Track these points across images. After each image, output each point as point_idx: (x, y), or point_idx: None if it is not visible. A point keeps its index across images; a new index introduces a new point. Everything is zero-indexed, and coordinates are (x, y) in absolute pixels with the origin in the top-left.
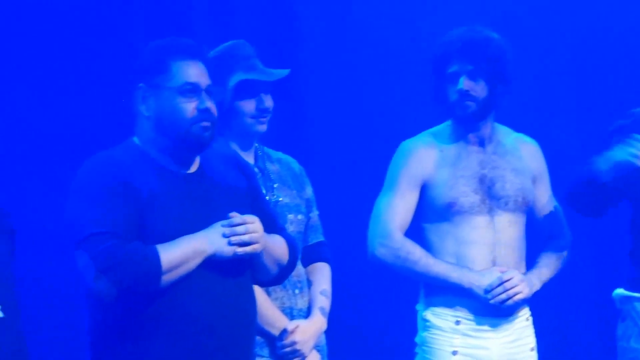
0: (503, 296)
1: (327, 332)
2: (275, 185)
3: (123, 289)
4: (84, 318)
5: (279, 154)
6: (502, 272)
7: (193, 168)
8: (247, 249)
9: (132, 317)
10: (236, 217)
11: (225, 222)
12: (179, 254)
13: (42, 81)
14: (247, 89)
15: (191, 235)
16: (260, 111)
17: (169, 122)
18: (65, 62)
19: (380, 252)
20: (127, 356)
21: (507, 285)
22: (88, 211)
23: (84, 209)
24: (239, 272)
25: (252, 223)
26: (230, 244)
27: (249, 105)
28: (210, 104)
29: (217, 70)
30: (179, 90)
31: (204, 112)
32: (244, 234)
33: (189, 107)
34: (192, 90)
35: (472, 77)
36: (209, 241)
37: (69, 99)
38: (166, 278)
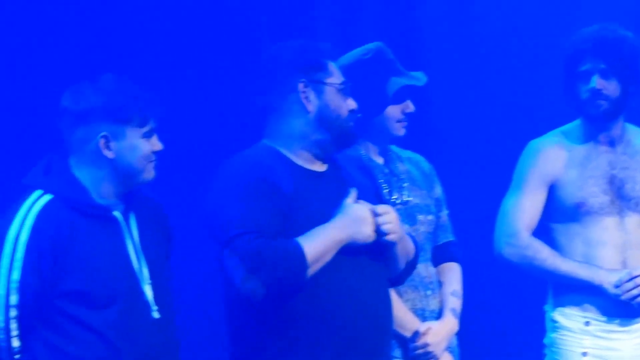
0: (634, 292)
1: (458, 334)
2: (405, 185)
3: (272, 288)
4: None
5: (408, 153)
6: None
7: (324, 167)
8: (389, 237)
9: (276, 316)
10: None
11: (360, 207)
12: (321, 245)
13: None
14: (396, 94)
15: (326, 225)
16: (406, 116)
17: (332, 118)
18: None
19: (507, 251)
20: (270, 356)
21: (638, 280)
22: (233, 211)
23: (229, 208)
24: (376, 272)
25: (389, 213)
26: (367, 229)
27: (395, 110)
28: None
29: (369, 73)
30: (338, 88)
31: (353, 112)
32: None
33: (345, 105)
34: (346, 89)
35: (605, 75)
36: (344, 229)
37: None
38: (311, 271)
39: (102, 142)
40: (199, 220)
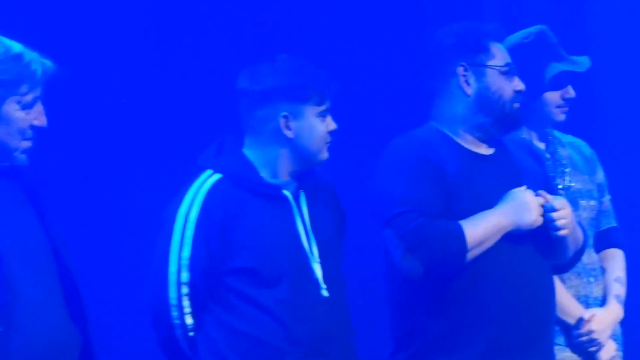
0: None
1: (622, 321)
2: (566, 170)
3: (430, 268)
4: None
5: (569, 138)
6: None
7: (491, 150)
8: (561, 232)
9: (437, 297)
10: (545, 195)
11: (524, 192)
12: (482, 230)
13: None
14: (556, 80)
15: (490, 211)
16: (566, 101)
17: (492, 101)
18: None
19: None
20: (430, 336)
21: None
22: (396, 189)
23: (391, 187)
24: (540, 258)
25: (564, 208)
26: (531, 215)
27: (554, 96)
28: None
29: (529, 57)
30: (501, 70)
31: (519, 94)
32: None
33: (509, 87)
34: (510, 71)
35: None
36: (508, 216)
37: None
38: (470, 255)
39: (282, 121)
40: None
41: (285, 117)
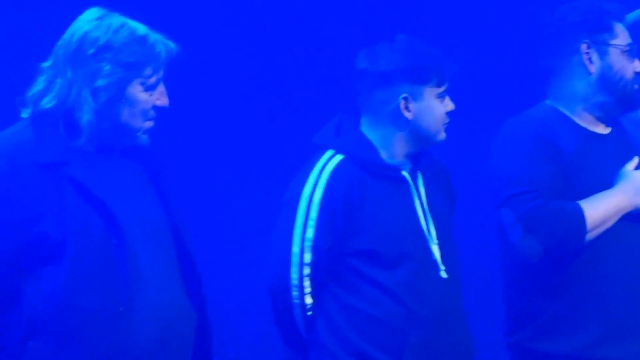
0: None
1: None
2: None
3: (549, 248)
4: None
5: None
6: None
7: (608, 130)
8: None
9: (553, 279)
10: None
11: None
12: (602, 211)
13: None
14: None
15: (610, 192)
16: None
17: (615, 80)
18: None
19: None
20: (544, 318)
21: None
22: (513, 169)
23: (508, 167)
24: None
25: None
26: None
27: None
28: None
29: None
30: (623, 50)
31: (638, 75)
32: None
33: (630, 68)
34: (632, 51)
35: None
36: (627, 197)
37: None
38: (589, 236)
39: (402, 103)
40: None
41: (405, 98)
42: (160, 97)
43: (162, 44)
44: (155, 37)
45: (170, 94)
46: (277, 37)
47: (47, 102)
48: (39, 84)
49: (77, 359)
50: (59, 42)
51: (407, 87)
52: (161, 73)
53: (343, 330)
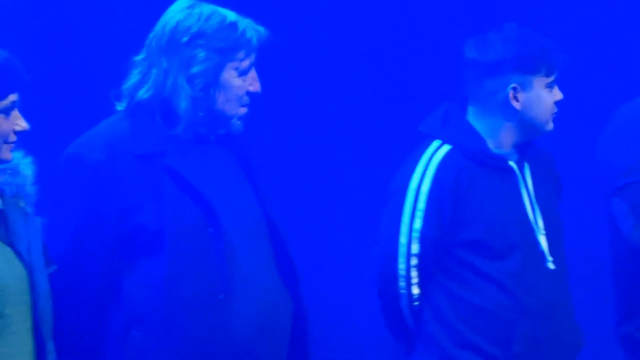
0: None
1: None
2: None
3: None
4: None
5: None
6: None
7: None
8: None
9: None
10: None
11: None
12: None
13: None
14: None
15: None
16: None
17: None
18: None
19: None
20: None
21: None
22: (626, 158)
23: (621, 156)
24: None
25: None
26: None
27: None
28: None
29: None
30: None
31: None
32: None
33: None
34: None
35: None
36: None
37: None
38: None
39: (511, 93)
40: None
41: (514, 88)
42: (253, 83)
43: (253, 29)
44: (245, 22)
45: (271, 80)
46: (380, 25)
47: (144, 93)
48: (134, 77)
49: (179, 348)
50: (151, 34)
51: (516, 77)
52: (253, 58)
53: (450, 321)
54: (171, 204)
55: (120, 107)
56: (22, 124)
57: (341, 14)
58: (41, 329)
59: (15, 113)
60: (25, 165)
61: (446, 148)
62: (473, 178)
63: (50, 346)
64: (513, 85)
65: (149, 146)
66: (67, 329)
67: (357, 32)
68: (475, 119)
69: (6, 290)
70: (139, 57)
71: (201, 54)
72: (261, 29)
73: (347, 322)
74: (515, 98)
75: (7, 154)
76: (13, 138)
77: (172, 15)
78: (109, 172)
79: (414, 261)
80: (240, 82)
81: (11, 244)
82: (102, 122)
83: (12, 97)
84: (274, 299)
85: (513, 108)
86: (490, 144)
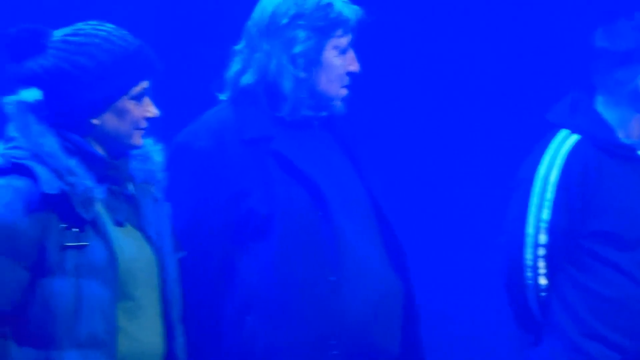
0: None
1: None
2: None
3: None
4: None
5: None
6: None
7: None
8: None
9: None
10: None
11: None
12: None
13: None
14: None
15: None
16: None
17: None
18: None
19: None
20: None
21: None
22: None
23: None
24: None
25: None
26: None
27: None
28: None
29: None
30: None
31: None
32: None
33: None
34: None
35: None
36: None
37: None
38: None
39: None
40: None
41: None
42: (352, 63)
43: (349, 8)
44: (341, 2)
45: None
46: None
47: (248, 78)
48: (236, 65)
49: (293, 331)
50: (249, 22)
51: None
52: (350, 37)
53: (579, 312)
54: (280, 188)
55: (223, 97)
56: (152, 111)
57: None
58: (170, 313)
59: (147, 100)
60: (156, 152)
61: (575, 138)
62: (602, 168)
63: (179, 329)
64: None
65: (255, 131)
66: (188, 312)
67: (477, 20)
68: (604, 108)
69: (136, 273)
70: (239, 46)
71: (302, 34)
72: (356, 7)
73: (465, 313)
74: None
75: (138, 140)
76: (144, 124)
77: (269, 1)
78: (217, 158)
79: (541, 252)
80: (341, 61)
81: (142, 229)
82: (207, 112)
83: (144, 84)
84: (385, 282)
85: None
86: (620, 134)
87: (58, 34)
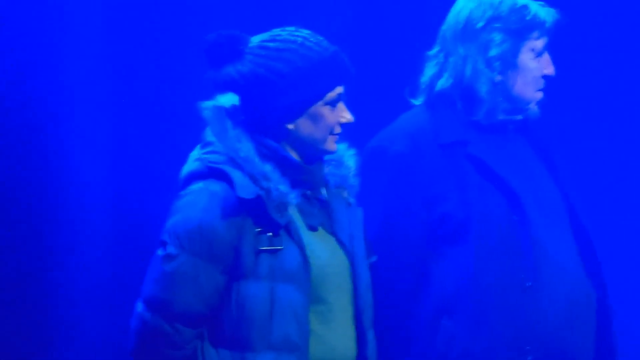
0: None
1: None
2: None
3: None
4: None
5: None
6: None
7: None
8: None
9: None
10: None
11: None
12: None
13: None
14: None
15: None
16: None
17: None
18: None
19: None
20: None
21: None
22: None
23: None
24: None
25: None
26: None
27: None
28: None
29: None
30: None
31: None
32: None
33: None
34: None
35: None
36: None
37: None
38: None
39: None
40: None
41: None
42: (547, 66)
43: (544, 10)
44: (536, 4)
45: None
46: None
47: (444, 82)
48: (430, 69)
49: (490, 336)
50: (443, 27)
51: None
52: (546, 39)
53: None
54: (476, 192)
55: (416, 102)
56: (347, 116)
57: None
58: (362, 318)
59: (341, 105)
60: (349, 157)
61: None
62: None
63: (370, 335)
64: None
65: (451, 135)
66: (379, 316)
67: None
68: None
69: (329, 277)
70: (433, 51)
71: (498, 37)
72: (552, 10)
73: None
74: None
75: (332, 145)
76: (338, 130)
77: (464, 5)
78: (413, 162)
79: None
80: (537, 64)
81: (334, 233)
82: (401, 116)
83: (339, 89)
84: (580, 288)
85: None
86: None
87: (255, 39)
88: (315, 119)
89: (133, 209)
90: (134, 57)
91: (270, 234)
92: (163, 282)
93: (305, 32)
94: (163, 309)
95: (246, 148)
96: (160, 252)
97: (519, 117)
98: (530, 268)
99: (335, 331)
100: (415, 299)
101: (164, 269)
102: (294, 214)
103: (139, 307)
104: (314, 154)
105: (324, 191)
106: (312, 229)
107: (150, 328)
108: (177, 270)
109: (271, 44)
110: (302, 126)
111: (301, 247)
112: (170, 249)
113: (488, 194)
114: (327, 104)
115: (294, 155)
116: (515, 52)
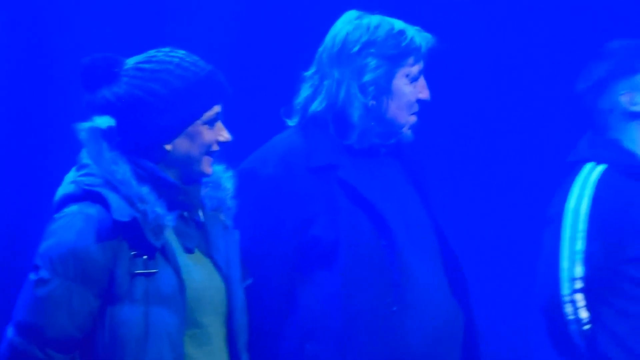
0: None
1: None
2: None
3: None
4: None
5: None
6: None
7: None
8: None
9: None
10: None
11: None
12: None
13: None
14: None
15: None
16: None
17: None
18: None
19: None
20: None
21: None
22: None
23: None
24: None
25: None
26: None
27: None
28: None
29: None
30: None
31: None
32: None
33: None
34: None
35: None
36: None
37: None
38: None
39: None
40: None
41: None
42: (422, 90)
43: (421, 36)
44: (413, 30)
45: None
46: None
47: (317, 105)
48: (305, 91)
49: None
50: (321, 48)
51: None
52: (422, 65)
53: (627, 341)
54: (345, 216)
55: (291, 122)
56: (225, 135)
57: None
58: (236, 341)
59: (219, 124)
60: (227, 179)
61: (601, 168)
62: (631, 193)
63: (244, 357)
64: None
65: (322, 159)
66: (252, 340)
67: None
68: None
69: (205, 300)
70: (309, 72)
71: (372, 62)
72: (428, 35)
73: (516, 338)
74: None
75: (207, 168)
76: (216, 148)
77: (342, 27)
78: (283, 185)
79: (578, 285)
80: (411, 89)
81: (211, 256)
82: (274, 138)
83: (217, 109)
84: (446, 312)
85: None
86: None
87: (131, 61)
88: (193, 137)
89: (6, 232)
90: None
91: (146, 257)
92: (35, 307)
93: (181, 53)
94: (34, 334)
95: (122, 170)
96: (32, 276)
97: (392, 141)
98: (397, 293)
99: (210, 355)
100: (286, 322)
101: (36, 294)
102: (170, 235)
103: (10, 332)
104: (190, 174)
105: (200, 213)
106: (189, 251)
107: (20, 354)
108: (49, 295)
109: (147, 65)
110: (180, 146)
111: (177, 270)
112: (43, 273)
113: (357, 219)
114: (205, 123)
115: (171, 176)
116: (389, 77)
